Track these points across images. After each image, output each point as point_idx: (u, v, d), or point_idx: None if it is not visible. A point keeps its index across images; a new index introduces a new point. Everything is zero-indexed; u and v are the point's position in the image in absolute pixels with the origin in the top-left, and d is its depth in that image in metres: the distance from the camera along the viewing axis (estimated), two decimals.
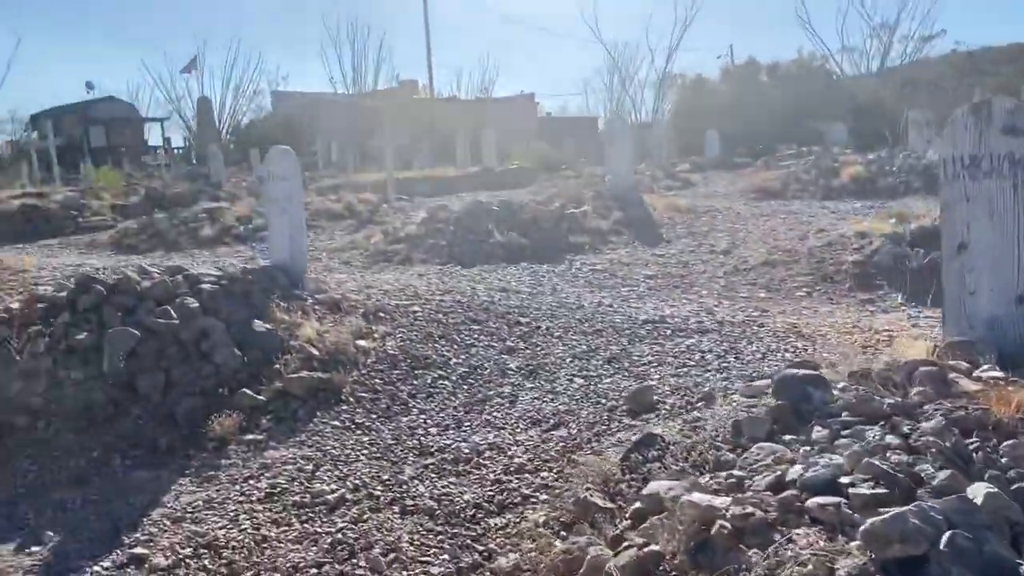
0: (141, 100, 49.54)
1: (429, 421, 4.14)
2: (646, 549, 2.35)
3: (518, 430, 3.91)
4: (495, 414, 4.15)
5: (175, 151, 44.68)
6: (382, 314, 5.73)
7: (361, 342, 5.05)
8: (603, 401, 4.14)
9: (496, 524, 3.07)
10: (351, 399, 4.41)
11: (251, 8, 74.79)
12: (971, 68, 25.47)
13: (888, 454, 2.39)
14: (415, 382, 4.62)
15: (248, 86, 44.15)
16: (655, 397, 4.01)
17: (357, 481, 3.50)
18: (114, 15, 73.35)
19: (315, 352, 4.79)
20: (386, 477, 3.53)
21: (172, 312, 4.86)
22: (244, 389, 4.40)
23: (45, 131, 40.57)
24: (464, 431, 3.98)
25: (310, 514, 3.25)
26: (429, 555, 2.93)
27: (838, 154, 18.10)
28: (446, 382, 4.60)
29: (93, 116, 46.63)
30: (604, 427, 3.80)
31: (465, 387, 4.53)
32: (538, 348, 5.05)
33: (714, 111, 23.51)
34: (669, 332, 5.19)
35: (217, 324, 4.87)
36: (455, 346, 5.11)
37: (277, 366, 4.63)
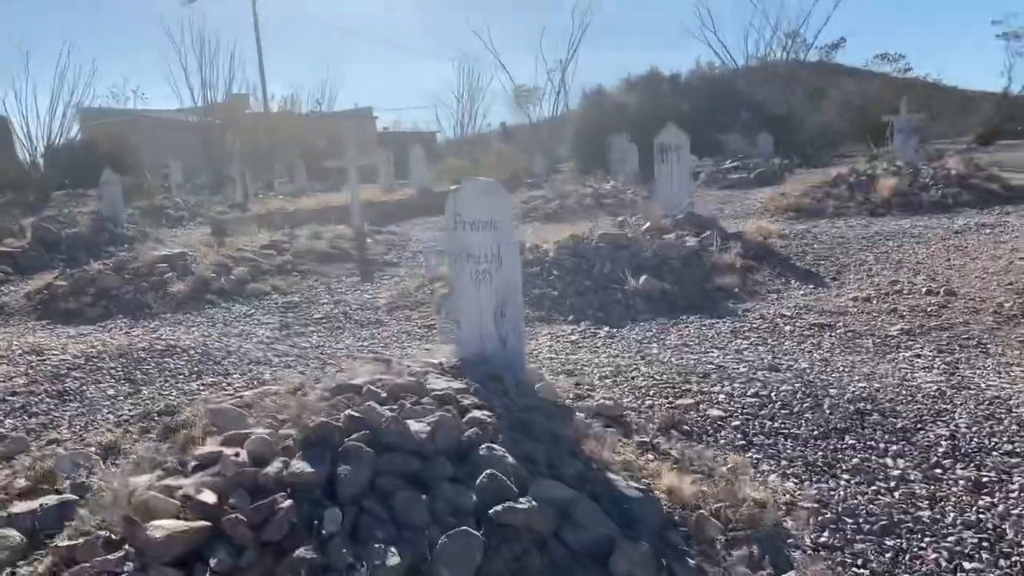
0: None
1: None
2: None
3: None
4: None
5: None
6: (685, 427, 3.88)
7: (756, 494, 3.18)
8: None
9: None
10: None
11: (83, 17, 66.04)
12: None
13: None
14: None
15: (75, 101, 38.14)
16: None
17: None
18: None
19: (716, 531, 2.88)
20: None
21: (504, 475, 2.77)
22: None
23: None
24: None
25: None
26: None
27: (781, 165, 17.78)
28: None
29: None
30: None
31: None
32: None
33: (619, 122, 22.67)
34: None
35: (573, 496, 2.84)
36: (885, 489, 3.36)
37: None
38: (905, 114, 14.34)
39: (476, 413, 3.23)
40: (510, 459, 2.87)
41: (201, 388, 4.86)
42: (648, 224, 8.10)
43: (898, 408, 4.03)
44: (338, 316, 6.97)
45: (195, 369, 5.35)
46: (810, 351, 5.22)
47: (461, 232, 4.26)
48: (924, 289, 6.47)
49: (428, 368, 3.93)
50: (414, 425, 3.00)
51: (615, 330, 6.01)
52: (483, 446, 2.92)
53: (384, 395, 3.34)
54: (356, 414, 3.00)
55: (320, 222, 11.67)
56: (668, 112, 21.97)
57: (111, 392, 4.93)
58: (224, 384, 4.87)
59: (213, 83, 33.90)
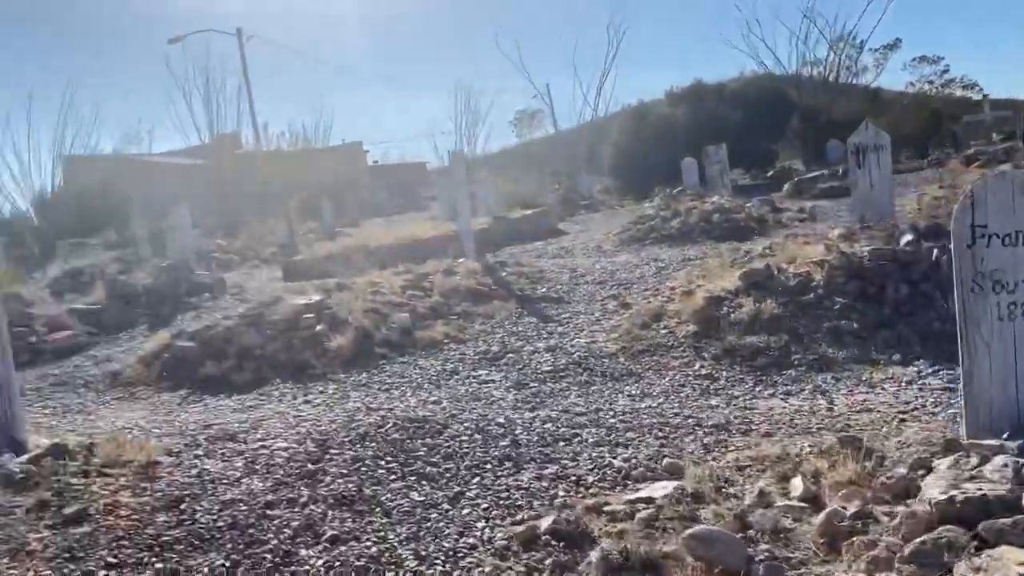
0: None
1: None
2: None
3: None
4: None
5: None
6: None
7: None
8: None
9: None
10: None
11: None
12: None
13: None
14: None
15: (76, 146, 36.23)
16: None
17: None
18: None
19: None
20: None
21: None
22: None
23: None
24: None
25: None
26: None
27: None
28: None
29: None
30: None
31: None
32: None
33: (663, 137, 21.65)
34: None
35: None
36: None
37: None
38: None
39: None
40: None
41: (554, 487, 3.53)
42: (879, 237, 6.91)
43: None
44: (572, 368, 5.67)
45: (493, 455, 4.01)
46: None
47: (984, 250, 2.99)
48: None
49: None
50: None
51: None
52: None
53: None
54: None
55: (412, 259, 10.34)
56: (717, 123, 21.07)
57: (417, 497, 3.58)
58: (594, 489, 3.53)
59: (220, 122, 32.16)
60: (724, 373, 5.40)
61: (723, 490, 3.35)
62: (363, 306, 7.24)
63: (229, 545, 3.35)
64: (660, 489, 3.31)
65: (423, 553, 3.08)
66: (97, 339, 8.43)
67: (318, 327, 6.87)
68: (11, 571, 3.23)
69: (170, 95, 60.66)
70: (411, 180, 47.44)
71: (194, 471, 4.16)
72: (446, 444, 4.20)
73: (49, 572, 3.23)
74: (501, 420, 4.55)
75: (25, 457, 4.22)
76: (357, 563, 3.08)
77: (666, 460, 3.77)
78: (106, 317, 8.91)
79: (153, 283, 10.10)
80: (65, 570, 3.22)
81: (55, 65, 64.68)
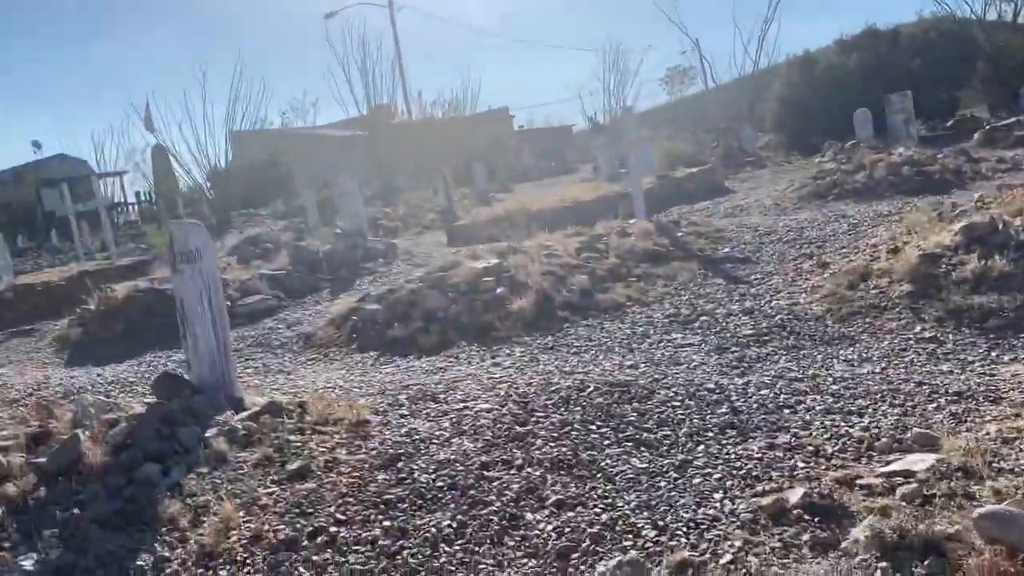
0: (107, 156, 43.96)
1: None
2: None
3: None
4: None
5: (151, 204, 39.25)
6: None
7: None
8: None
9: None
10: None
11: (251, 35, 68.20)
12: None
13: None
14: None
15: (246, 120, 38.59)
16: None
17: None
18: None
19: None
20: None
21: None
22: None
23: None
24: None
25: None
26: None
27: None
28: None
29: (45, 177, 40.84)
30: None
31: None
32: None
33: (833, 88, 20.15)
34: None
35: None
36: None
37: None
38: None
39: None
40: None
41: (791, 458, 3.25)
42: None
43: None
44: (776, 332, 5.30)
45: (713, 422, 3.77)
46: None
47: None
48: None
49: None
50: None
51: None
52: None
53: None
54: None
55: (576, 221, 10.09)
56: (892, 71, 19.44)
57: (639, 464, 3.40)
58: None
59: (376, 93, 33.08)
60: (951, 336, 4.88)
61: (994, 464, 2.96)
62: (540, 269, 7.13)
63: (452, 505, 3.31)
64: (918, 463, 2.97)
65: (660, 523, 2.90)
66: (285, 303, 8.80)
67: (498, 290, 6.82)
68: (247, 523, 3.32)
69: (330, 68, 63.17)
70: (557, 144, 47.29)
71: (403, 430, 4.17)
72: (657, 410, 3.99)
73: (282, 526, 3.30)
74: (711, 386, 4.29)
75: (245, 414, 4.38)
76: (590, 529, 2.94)
77: (915, 431, 3.40)
78: (291, 282, 9.29)
79: (331, 249, 10.44)
80: (297, 525, 3.28)
81: (227, 43, 68.77)
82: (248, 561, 3.07)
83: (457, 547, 3.02)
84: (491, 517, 3.17)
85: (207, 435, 4.06)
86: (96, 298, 9.13)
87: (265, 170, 32.36)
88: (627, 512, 3.01)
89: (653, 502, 3.07)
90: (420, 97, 45.76)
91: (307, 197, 16.90)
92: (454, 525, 3.15)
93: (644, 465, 3.39)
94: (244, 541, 3.18)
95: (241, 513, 3.38)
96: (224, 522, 3.28)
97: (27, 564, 3.08)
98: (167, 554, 3.11)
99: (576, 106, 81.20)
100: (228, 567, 3.03)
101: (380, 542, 3.11)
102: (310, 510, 3.40)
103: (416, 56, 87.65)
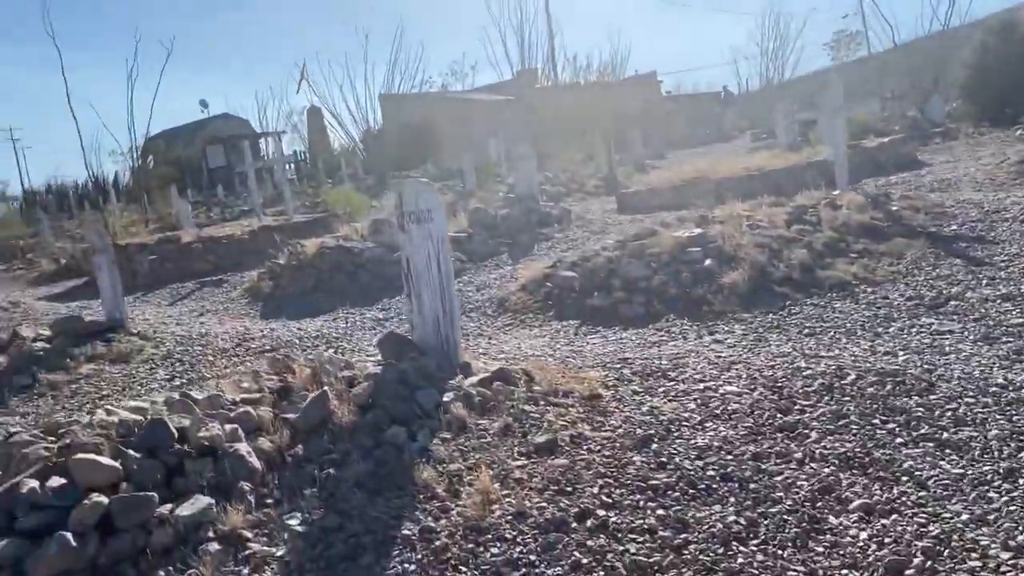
0: (269, 117, 46.39)
1: None
2: None
3: None
4: None
5: (305, 163, 40.96)
6: None
7: None
8: None
9: None
10: None
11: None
12: None
13: None
14: None
15: (404, 83, 39.57)
16: None
17: None
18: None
19: None
20: None
21: None
22: None
23: (167, 152, 37.25)
24: None
25: None
26: None
27: None
28: None
29: (210, 135, 43.33)
30: None
31: None
32: None
33: None
34: None
35: None
36: None
37: None
38: None
39: None
40: None
41: None
42: None
43: None
44: None
45: None
46: None
47: None
48: None
49: None
50: None
51: None
52: None
53: None
54: None
55: (764, 191, 9.42)
56: None
57: (952, 469, 2.95)
58: None
59: (530, 58, 32.92)
60: None
61: None
62: (751, 240, 6.64)
63: (732, 499, 3.00)
64: None
65: (1011, 543, 2.47)
66: (467, 266, 8.71)
67: (706, 262, 6.40)
68: (506, 497, 3.14)
69: (486, 30, 63.98)
70: (710, 110, 45.64)
71: (643, 408, 3.89)
72: (948, 406, 3.51)
73: (544, 503, 3.09)
74: (1000, 381, 3.75)
75: (474, 379, 4.21)
76: (918, 543, 2.56)
77: None
78: (471, 245, 9.19)
79: (507, 213, 10.28)
80: (560, 504, 3.06)
81: (386, 7, 70.49)
82: (518, 540, 2.87)
83: (753, 547, 2.71)
84: (786, 517, 2.83)
85: (444, 399, 3.91)
86: (286, 253, 9.36)
87: (415, 133, 32.93)
88: (959, 526, 2.60)
89: (990, 516, 2.63)
90: (574, 61, 45.15)
91: (465, 160, 16.87)
92: (743, 522, 2.84)
93: (959, 471, 2.95)
94: (508, 517, 2.99)
95: (496, 485, 3.20)
96: (483, 494, 3.10)
97: (294, 524, 3.01)
98: (432, 524, 2.96)
99: (729, 72, 77.99)
100: (498, 544, 2.85)
101: (659, 533, 2.84)
102: (569, 489, 3.18)
103: (569, 18, 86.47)
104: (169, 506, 2.99)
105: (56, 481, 3.00)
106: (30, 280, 15.56)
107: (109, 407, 3.68)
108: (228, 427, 3.44)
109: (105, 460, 3.07)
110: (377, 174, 28.57)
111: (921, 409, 3.49)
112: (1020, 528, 2.55)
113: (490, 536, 2.90)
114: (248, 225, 13.66)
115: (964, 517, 2.65)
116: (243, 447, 3.30)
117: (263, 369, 4.51)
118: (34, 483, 3.01)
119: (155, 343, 6.87)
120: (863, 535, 2.65)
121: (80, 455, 3.07)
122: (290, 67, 66.01)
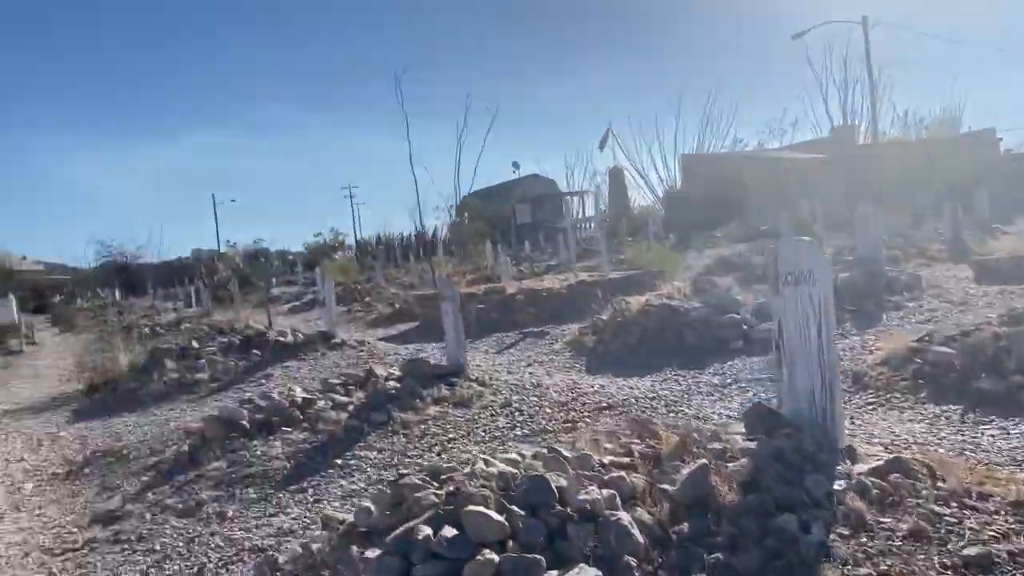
0: (576, 177, 48.87)
1: None
2: None
3: None
4: None
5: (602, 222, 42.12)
6: None
7: None
8: None
9: None
10: None
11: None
12: None
13: None
14: None
15: (715, 143, 39.72)
16: None
17: None
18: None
19: None
20: None
21: None
22: None
23: (482, 209, 40.19)
24: None
25: None
26: None
27: None
28: None
29: (519, 194, 46.14)
30: None
31: None
32: None
33: None
34: None
35: None
36: None
37: None
38: None
39: None
40: None
41: None
42: None
43: None
44: None
45: None
46: None
47: None
48: None
49: None
50: None
51: None
52: None
53: None
54: None
55: None
56: None
57: None
58: None
59: (853, 113, 31.01)
60: None
61: None
62: None
63: None
64: None
65: None
66: None
67: None
68: None
69: (805, 86, 62.12)
70: None
71: None
72: None
73: None
74: None
75: (865, 468, 3.68)
76: None
77: None
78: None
79: (848, 277, 9.40)
80: None
81: (701, 66, 71.22)
82: None
83: None
84: None
85: (834, 487, 3.42)
86: (609, 308, 9.34)
87: (719, 192, 32.22)
88: None
89: None
90: (906, 116, 41.68)
91: (783, 220, 15.98)
92: None
93: None
94: None
95: None
96: None
97: None
98: None
99: None
100: None
101: None
102: None
103: (898, 75, 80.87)
104: (555, 573, 2.84)
105: (449, 531, 2.99)
106: (368, 322, 17.31)
107: (487, 457, 3.69)
108: (605, 492, 3.27)
109: (495, 515, 3.02)
110: (678, 233, 28.33)
111: None
112: None
113: None
114: (565, 279, 14.02)
115: None
116: (625, 516, 3.10)
117: (621, 431, 4.34)
118: (428, 530, 3.03)
119: (492, 390, 7.08)
120: None
121: (471, 507, 3.05)
122: (600, 129, 69.12)
